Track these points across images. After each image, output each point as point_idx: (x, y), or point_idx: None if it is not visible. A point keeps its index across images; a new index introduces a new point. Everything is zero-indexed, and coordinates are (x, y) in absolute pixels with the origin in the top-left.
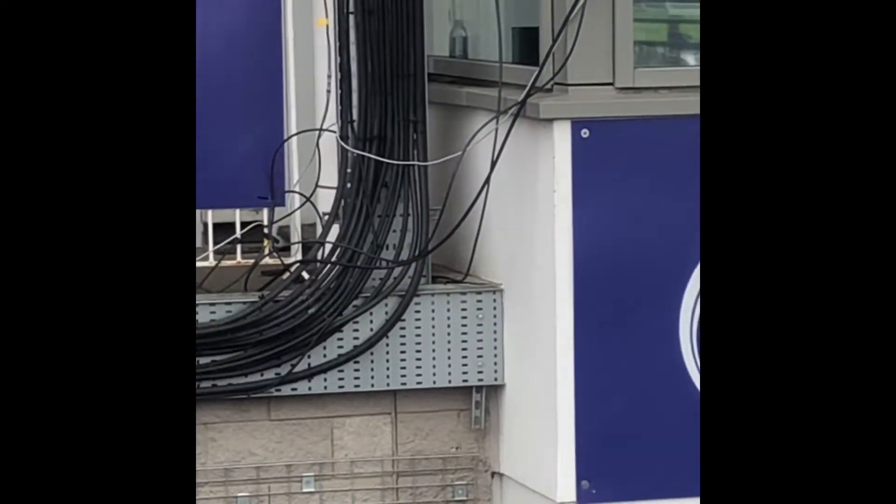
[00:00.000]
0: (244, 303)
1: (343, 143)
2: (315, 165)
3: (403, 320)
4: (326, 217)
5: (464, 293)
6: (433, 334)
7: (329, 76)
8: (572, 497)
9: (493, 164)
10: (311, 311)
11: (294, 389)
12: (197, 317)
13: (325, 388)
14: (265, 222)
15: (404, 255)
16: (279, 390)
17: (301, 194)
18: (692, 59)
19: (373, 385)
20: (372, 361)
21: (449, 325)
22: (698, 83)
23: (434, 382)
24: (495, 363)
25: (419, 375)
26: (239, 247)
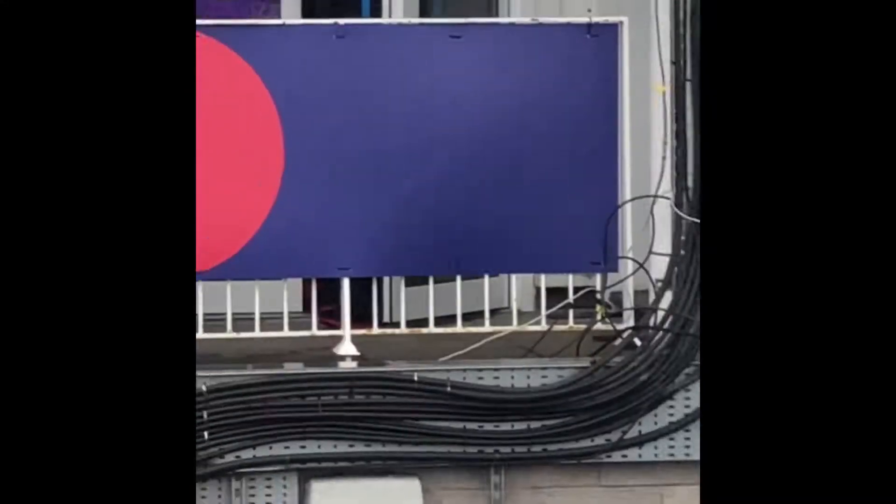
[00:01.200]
0: (576, 368)
1: (678, 210)
2: (649, 232)
3: None
4: (659, 284)
5: None
6: None
7: (665, 143)
8: None
9: None
10: (642, 377)
11: (624, 456)
12: (529, 381)
13: (656, 455)
14: (598, 288)
15: None
16: (609, 456)
17: (634, 260)
18: None
19: None
20: None
21: None
22: None
23: None
24: None
25: None
26: (571, 312)
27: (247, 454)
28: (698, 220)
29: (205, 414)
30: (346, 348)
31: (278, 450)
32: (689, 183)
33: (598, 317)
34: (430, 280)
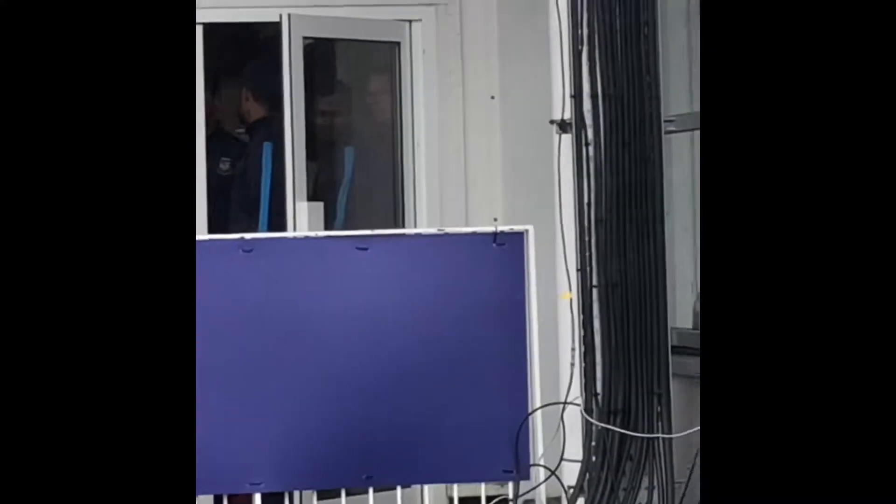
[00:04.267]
0: None
1: (587, 416)
2: (559, 438)
3: None
4: (571, 490)
5: None
6: None
7: (573, 349)
8: None
9: None
10: None
11: None
12: None
13: None
14: (510, 496)
15: None
16: None
17: (546, 468)
18: None
19: None
20: None
21: None
22: None
23: None
24: None
25: None
26: None
27: None
28: (608, 426)
29: None
30: None
31: None
32: (598, 389)
33: None
34: (343, 493)
